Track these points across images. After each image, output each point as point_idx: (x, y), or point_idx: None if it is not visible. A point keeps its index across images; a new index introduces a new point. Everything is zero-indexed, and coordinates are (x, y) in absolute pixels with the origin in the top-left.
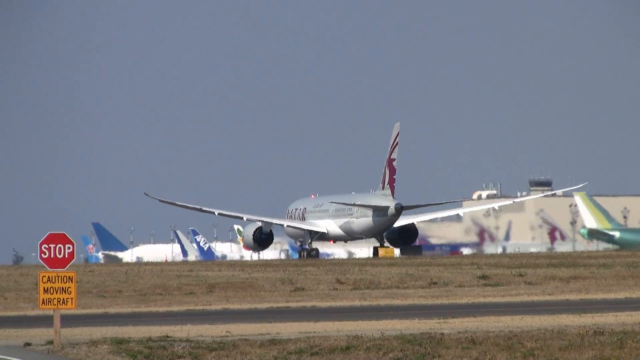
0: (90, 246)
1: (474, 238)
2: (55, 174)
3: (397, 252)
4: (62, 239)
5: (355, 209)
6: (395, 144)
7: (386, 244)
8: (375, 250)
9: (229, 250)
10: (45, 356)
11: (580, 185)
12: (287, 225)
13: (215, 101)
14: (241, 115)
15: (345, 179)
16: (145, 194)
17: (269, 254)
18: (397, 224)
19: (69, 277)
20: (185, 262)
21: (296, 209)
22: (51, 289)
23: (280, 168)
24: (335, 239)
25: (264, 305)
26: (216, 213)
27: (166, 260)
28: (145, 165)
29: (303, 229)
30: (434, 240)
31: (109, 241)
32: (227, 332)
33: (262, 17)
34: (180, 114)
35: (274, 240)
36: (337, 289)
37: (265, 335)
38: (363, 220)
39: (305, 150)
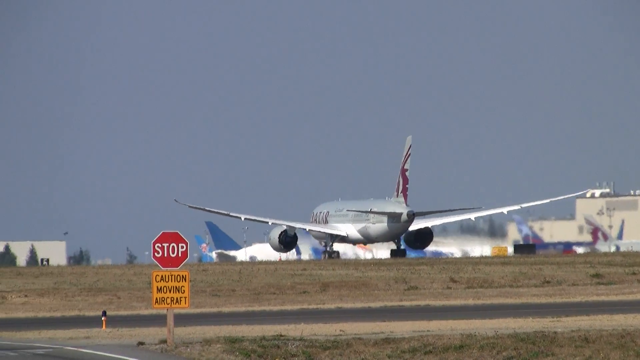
0: (204, 245)
1: (587, 237)
2: (169, 172)
3: (510, 250)
4: (176, 238)
5: (372, 214)
6: (407, 155)
7: (402, 246)
8: (392, 252)
9: (343, 249)
10: (158, 355)
11: None
12: (309, 230)
13: (244, 111)
14: (269, 127)
15: (364, 185)
16: (175, 200)
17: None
18: (413, 228)
19: (183, 276)
20: (299, 261)
21: (320, 212)
22: (164, 288)
23: (304, 175)
24: (354, 242)
25: (378, 304)
26: (242, 218)
27: (280, 259)
28: (172, 170)
29: (325, 233)
30: (547, 239)
31: (223, 240)
32: (340, 330)
33: (285, 28)
34: (210, 121)
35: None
36: (450, 288)
37: (379, 334)
38: (379, 226)
39: (327, 158)
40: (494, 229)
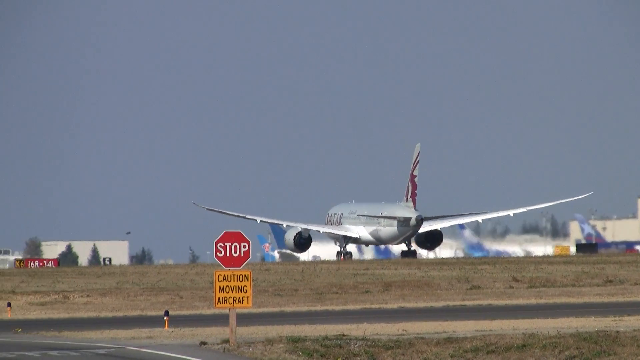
0: (267, 245)
1: None
2: (231, 173)
3: (572, 250)
4: (238, 238)
5: (386, 212)
6: (416, 162)
7: (413, 247)
8: (403, 253)
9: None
10: (221, 355)
11: None
12: (323, 231)
13: (261, 117)
14: (285, 132)
15: (377, 186)
16: (194, 203)
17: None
18: (424, 230)
19: (245, 275)
20: (361, 261)
21: (334, 214)
22: (227, 287)
23: (318, 177)
24: (366, 243)
25: (440, 304)
26: (258, 220)
27: (342, 258)
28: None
29: (338, 235)
30: (609, 238)
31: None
32: (403, 330)
33: (302, 35)
34: (225, 126)
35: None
36: (513, 287)
37: (442, 333)
38: (389, 229)
39: (341, 161)
40: (556, 229)
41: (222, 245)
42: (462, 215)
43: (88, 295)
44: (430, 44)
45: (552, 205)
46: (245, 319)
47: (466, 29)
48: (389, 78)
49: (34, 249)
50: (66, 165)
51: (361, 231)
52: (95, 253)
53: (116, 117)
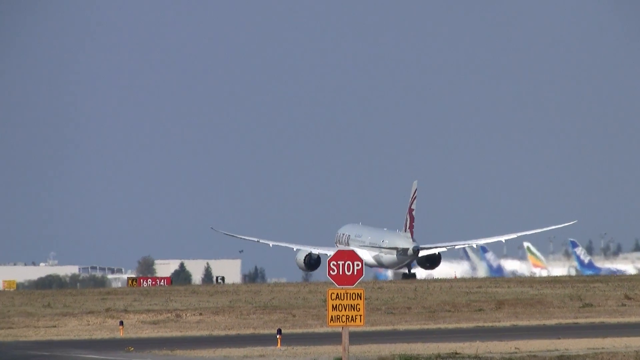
0: None
1: None
2: (246, 199)
3: None
4: (351, 256)
5: (385, 243)
6: (414, 197)
7: (413, 270)
8: (404, 275)
9: (519, 267)
10: None
11: None
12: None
13: (270, 149)
14: (293, 159)
15: (380, 209)
16: (212, 228)
17: None
18: (425, 253)
19: (358, 294)
20: (474, 279)
21: (343, 234)
22: (340, 305)
23: (326, 202)
24: (370, 266)
25: (553, 322)
26: (271, 245)
27: (455, 276)
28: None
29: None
30: None
31: None
32: (515, 348)
33: (313, 62)
34: (239, 149)
35: None
36: (625, 305)
37: (554, 351)
38: (389, 257)
39: (347, 187)
40: None
41: (335, 263)
42: (457, 243)
43: (200, 314)
44: (419, 85)
45: (541, 231)
46: (358, 337)
47: (454, 65)
48: (392, 113)
49: (146, 267)
50: (181, 186)
51: (365, 255)
52: (208, 271)
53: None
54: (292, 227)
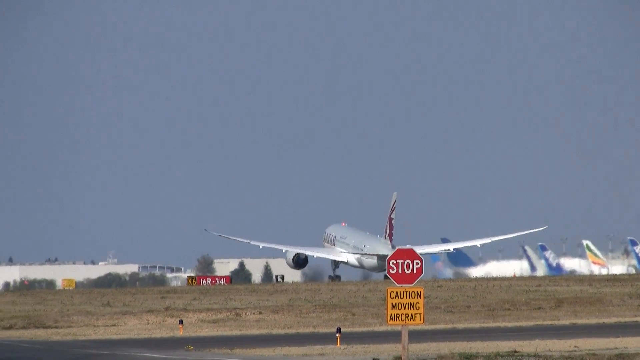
0: (439, 263)
1: None
2: (238, 202)
3: None
4: (410, 255)
5: (367, 248)
6: (393, 207)
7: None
8: (385, 276)
9: (578, 265)
10: None
11: None
12: (316, 256)
13: (261, 152)
14: (284, 162)
15: (364, 209)
16: (205, 230)
17: None
18: None
19: (417, 292)
20: (533, 277)
21: (330, 234)
22: (399, 304)
23: (312, 203)
24: (353, 266)
25: (612, 320)
26: (260, 246)
27: (514, 275)
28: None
29: (329, 259)
30: None
31: (458, 257)
32: (575, 346)
33: (307, 67)
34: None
35: None
36: None
37: (613, 349)
38: (370, 261)
39: (330, 191)
40: None
41: (395, 262)
42: (437, 244)
43: (260, 313)
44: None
45: (515, 236)
46: (417, 336)
47: (439, 71)
48: (380, 118)
49: (206, 266)
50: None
51: (349, 257)
52: (267, 270)
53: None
54: (281, 228)
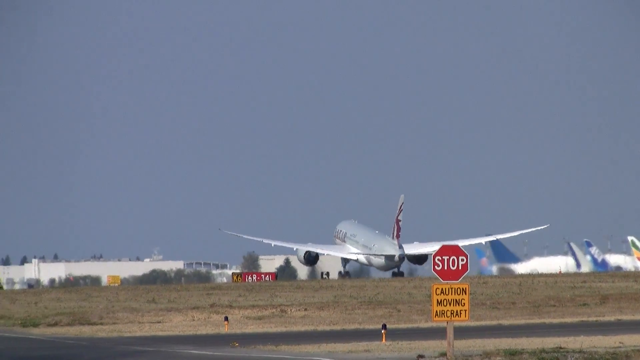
0: (484, 259)
1: None
2: (253, 201)
3: None
4: (456, 251)
5: (375, 248)
6: (400, 209)
7: (402, 269)
8: (393, 273)
9: (623, 261)
10: None
11: None
12: (327, 254)
13: (272, 155)
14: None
15: (373, 209)
16: (220, 229)
17: None
18: (413, 252)
19: (463, 289)
20: (578, 274)
21: (340, 231)
22: (444, 301)
23: (324, 202)
24: (362, 264)
25: None
26: (272, 244)
27: (560, 272)
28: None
29: (339, 257)
30: None
31: (503, 253)
32: (620, 343)
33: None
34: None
35: None
36: None
37: None
38: (378, 260)
39: (342, 188)
40: None
41: (440, 258)
42: (442, 241)
43: (305, 309)
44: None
45: (518, 234)
46: (462, 332)
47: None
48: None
49: (251, 263)
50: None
51: (359, 255)
52: (313, 267)
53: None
54: (292, 225)
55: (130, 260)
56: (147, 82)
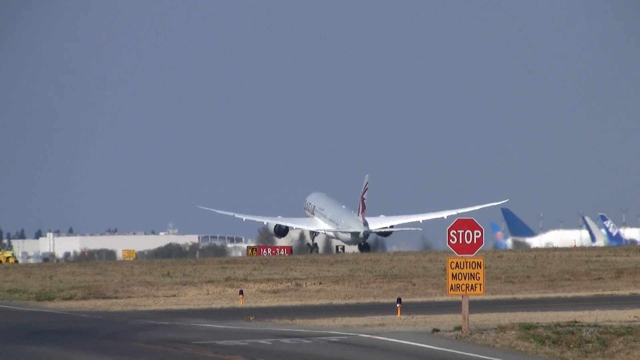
0: (499, 233)
1: None
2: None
3: None
4: (471, 225)
5: (341, 223)
6: (365, 188)
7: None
8: (360, 247)
9: (638, 235)
10: (453, 342)
11: None
12: (296, 227)
13: (247, 131)
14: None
15: (341, 186)
16: (193, 205)
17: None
18: (379, 227)
19: (477, 262)
20: (593, 248)
21: (310, 203)
22: (459, 274)
23: (294, 176)
24: (329, 237)
25: None
26: (244, 219)
27: (574, 245)
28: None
29: (308, 230)
30: None
31: (518, 227)
32: (635, 317)
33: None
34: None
35: None
36: None
37: None
38: (344, 236)
39: (309, 161)
40: None
41: (455, 232)
42: (406, 214)
43: (320, 283)
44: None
45: (480, 208)
46: (477, 306)
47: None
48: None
49: (267, 236)
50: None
51: (326, 227)
52: (328, 241)
53: None
54: (265, 199)
55: (145, 234)
56: (166, 60)
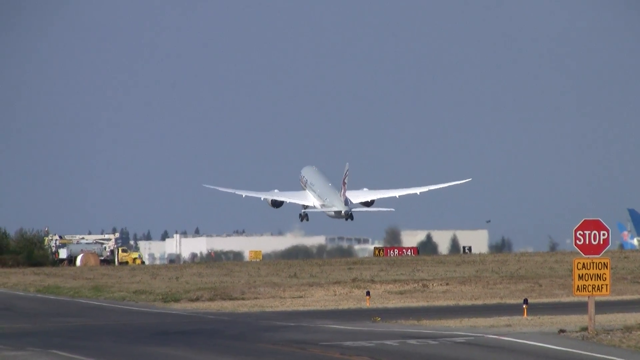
0: (625, 233)
1: None
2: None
3: None
4: (597, 226)
5: (327, 201)
6: (345, 175)
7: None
8: (345, 217)
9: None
10: (579, 342)
11: None
12: (289, 201)
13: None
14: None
15: (330, 157)
16: (203, 185)
17: None
18: (361, 199)
19: (604, 263)
20: None
21: (303, 177)
22: (586, 275)
23: (290, 152)
24: (319, 211)
25: None
26: (243, 195)
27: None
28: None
29: (299, 204)
30: None
31: None
32: None
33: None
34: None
35: None
36: None
37: None
38: (330, 212)
39: (300, 142)
40: None
41: (582, 233)
42: (387, 189)
43: (447, 284)
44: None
45: (450, 185)
46: (604, 307)
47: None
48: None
49: (393, 237)
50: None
51: (316, 202)
52: (454, 242)
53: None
54: (262, 174)
55: (272, 235)
56: (184, 50)
